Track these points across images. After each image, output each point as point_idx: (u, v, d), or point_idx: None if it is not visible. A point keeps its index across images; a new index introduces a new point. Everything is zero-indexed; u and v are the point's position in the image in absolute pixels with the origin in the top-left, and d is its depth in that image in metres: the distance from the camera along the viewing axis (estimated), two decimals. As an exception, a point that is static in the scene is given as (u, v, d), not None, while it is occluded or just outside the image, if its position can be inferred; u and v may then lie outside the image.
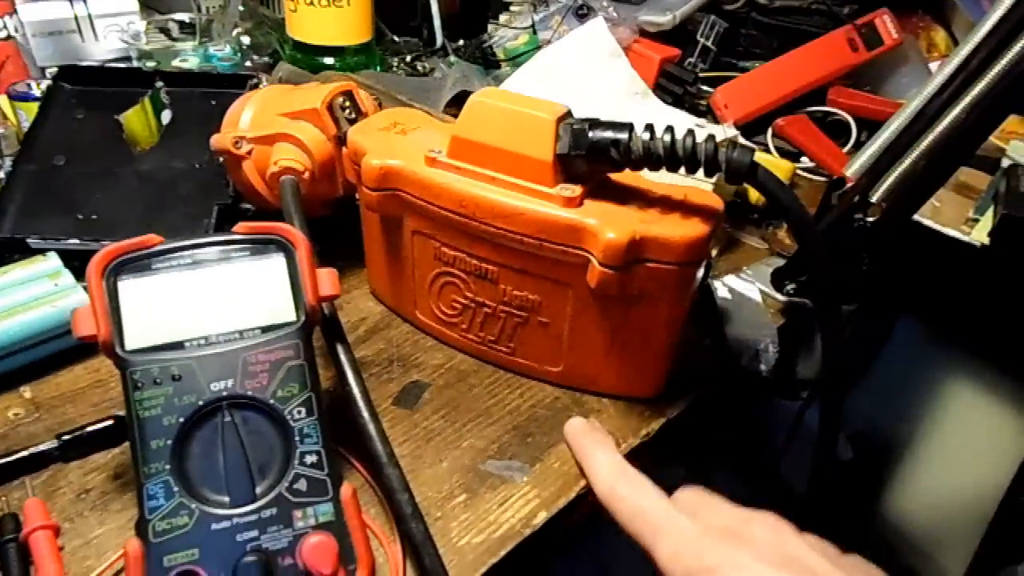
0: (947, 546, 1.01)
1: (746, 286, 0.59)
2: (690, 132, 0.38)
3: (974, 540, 0.94)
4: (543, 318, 0.45)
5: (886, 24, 0.80)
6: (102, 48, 0.71)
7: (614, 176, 0.43)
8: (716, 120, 0.77)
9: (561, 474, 0.42)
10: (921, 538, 1.02)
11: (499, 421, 0.46)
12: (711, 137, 0.38)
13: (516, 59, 0.80)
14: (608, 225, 0.39)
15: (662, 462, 0.51)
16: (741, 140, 0.66)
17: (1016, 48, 0.45)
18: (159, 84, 0.63)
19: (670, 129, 0.39)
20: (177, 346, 0.34)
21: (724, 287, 0.59)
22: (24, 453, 0.39)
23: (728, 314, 0.56)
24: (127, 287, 0.35)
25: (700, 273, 0.44)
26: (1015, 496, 0.91)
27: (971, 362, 0.96)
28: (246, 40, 0.79)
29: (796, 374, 0.59)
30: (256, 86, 0.63)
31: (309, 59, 0.79)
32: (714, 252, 0.62)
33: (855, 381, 0.96)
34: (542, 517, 0.40)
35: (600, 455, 0.40)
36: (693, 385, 0.49)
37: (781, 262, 0.60)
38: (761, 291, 0.58)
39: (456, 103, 0.72)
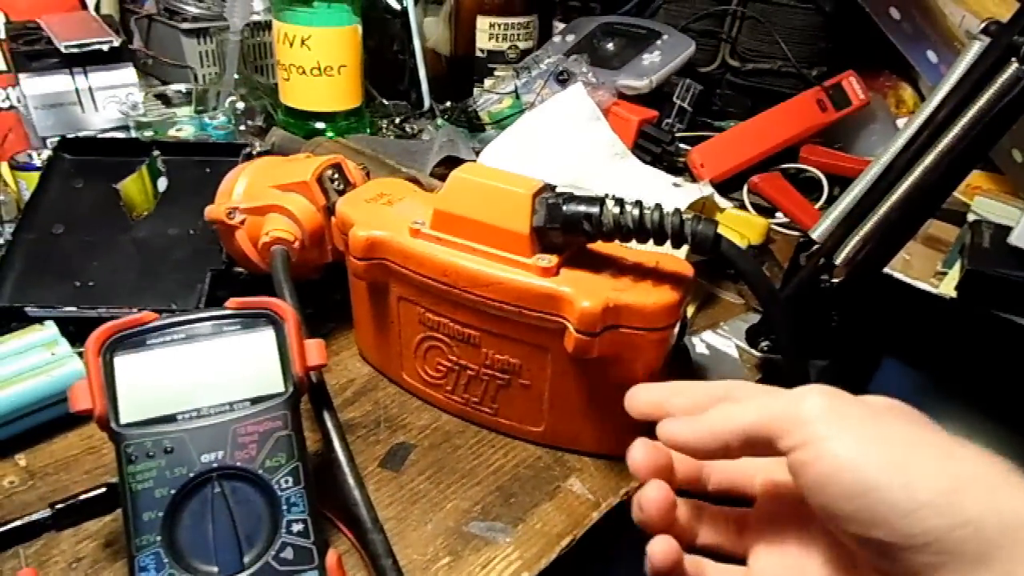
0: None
1: (723, 342, 0.61)
2: (658, 206, 0.41)
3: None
4: (524, 380, 0.47)
5: (853, 85, 0.84)
6: (101, 118, 0.74)
7: (590, 244, 0.46)
8: (693, 178, 0.81)
9: (543, 534, 0.44)
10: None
11: (483, 482, 0.47)
12: (677, 211, 0.40)
13: (500, 122, 0.84)
14: (583, 294, 0.41)
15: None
16: (716, 198, 0.69)
17: (974, 110, 0.48)
18: (156, 152, 0.65)
19: (639, 203, 0.41)
20: (170, 419, 0.36)
21: (702, 343, 0.61)
22: (18, 522, 0.40)
23: (706, 370, 0.58)
24: (123, 363, 0.36)
25: (674, 335, 0.46)
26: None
27: (955, 406, 0.97)
28: (240, 106, 0.82)
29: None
30: (249, 156, 0.65)
31: (301, 124, 0.82)
32: (692, 309, 0.64)
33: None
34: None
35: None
36: (671, 443, 0.50)
37: (757, 317, 0.62)
38: (738, 347, 0.60)
39: (443, 165, 0.75)
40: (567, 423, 0.48)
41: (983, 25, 0.48)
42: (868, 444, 0.26)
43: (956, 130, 0.48)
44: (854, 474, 0.25)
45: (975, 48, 0.47)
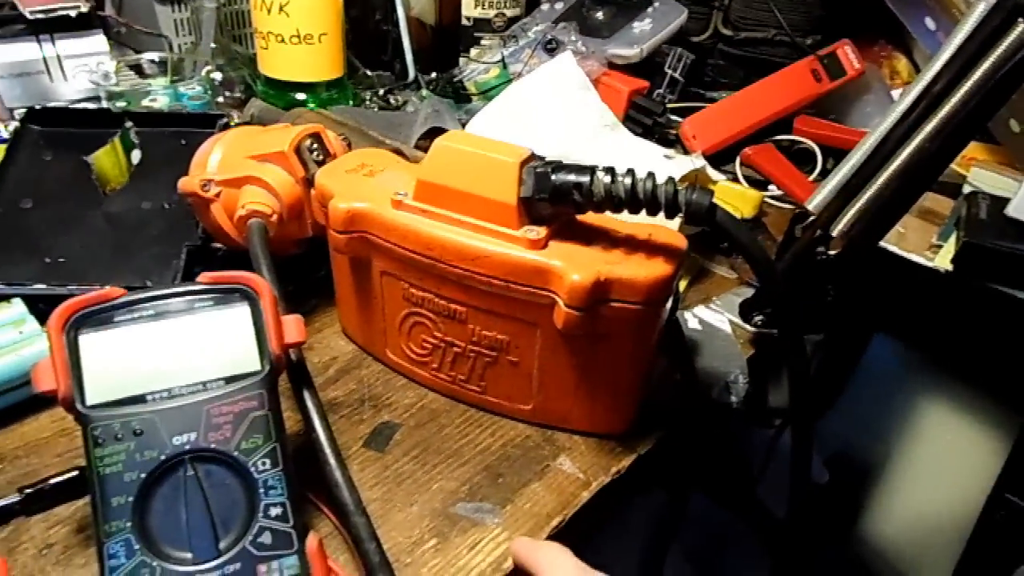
0: (927, 565, 1.01)
1: (716, 317, 0.60)
2: (650, 175, 0.39)
3: (953, 558, 0.95)
4: (512, 357, 0.45)
5: (848, 55, 0.82)
6: (71, 88, 0.71)
7: (580, 216, 0.44)
8: (685, 150, 0.79)
9: (532, 515, 0.42)
10: (900, 558, 1.02)
11: (470, 461, 0.46)
12: (671, 179, 0.39)
13: (487, 92, 0.81)
14: (572, 267, 0.40)
15: (643, 488, 0.52)
16: (708, 170, 0.67)
17: (977, 74, 0.46)
18: (128, 124, 0.63)
19: (631, 172, 0.39)
20: (139, 400, 0.34)
21: (694, 318, 0.59)
22: (-15, 508, 0.39)
23: (698, 346, 0.57)
24: (88, 341, 0.34)
25: (666, 311, 0.44)
26: (992, 513, 0.92)
27: (946, 381, 0.97)
28: (218, 76, 0.79)
29: (768, 403, 0.60)
30: (226, 126, 0.63)
31: (281, 95, 0.79)
32: (684, 283, 0.62)
33: (829, 405, 0.97)
34: (512, 561, 0.40)
35: None
36: (663, 420, 0.49)
37: (750, 292, 0.61)
38: (731, 321, 0.59)
39: (429, 137, 0.72)
40: (557, 401, 0.46)
41: (988, -15, 0.46)
42: None
43: (957, 96, 0.47)
44: None
45: (979, 9, 0.46)
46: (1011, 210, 0.62)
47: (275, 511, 0.34)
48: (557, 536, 0.42)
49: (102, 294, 0.35)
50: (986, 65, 0.44)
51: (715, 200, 0.39)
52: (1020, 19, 0.41)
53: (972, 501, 0.93)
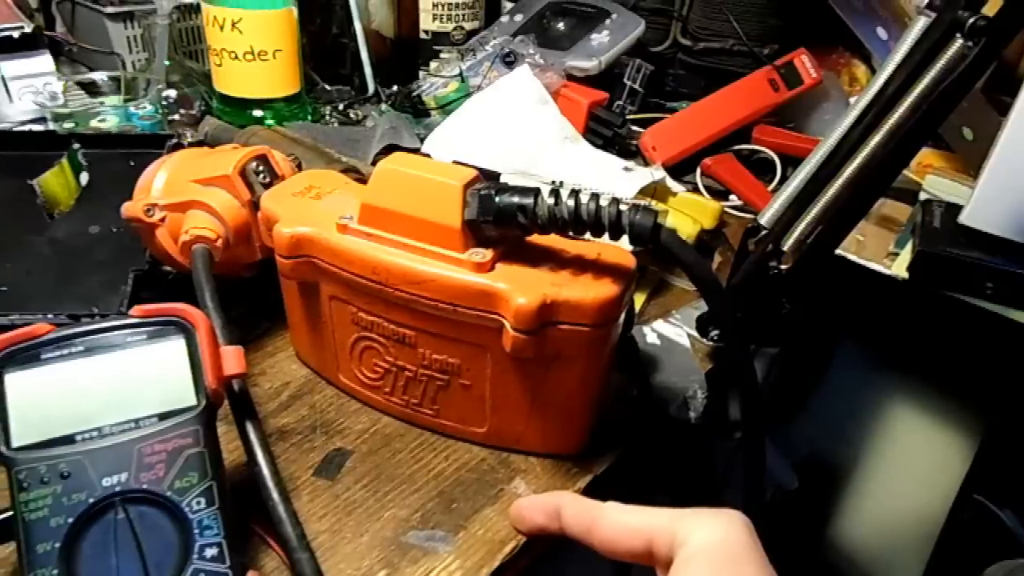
0: (897, 566, 1.02)
1: (675, 331, 0.59)
2: (594, 196, 0.39)
3: (923, 559, 0.96)
4: (464, 380, 0.45)
5: (805, 64, 0.83)
6: (16, 110, 0.70)
7: (529, 237, 0.43)
8: (646, 162, 0.79)
9: (484, 541, 0.42)
10: (871, 560, 1.03)
11: (423, 488, 0.45)
12: (615, 200, 0.38)
13: (446, 107, 0.81)
14: (519, 289, 0.39)
15: (605, 492, 0.51)
16: (668, 181, 0.67)
17: (920, 87, 0.46)
18: (76, 145, 0.61)
19: (575, 193, 0.39)
20: (67, 440, 0.33)
21: (653, 332, 0.59)
22: (-87, 553, 0.37)
23: (657, 361, 0.56)
24: (14, 381, 0.33)
25: (618, 329, 0.44)
26: (960, 513, 0.93)
27: (912, 385, 0.98)
28: (172, 94, 0.78)
29: (728, 416, 0.60)
30: (176, 146, 0.61)
31: (237, 112, 0.78)
32: (643, 297, 0.62)
33: (792, 414, 0.97)
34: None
35: None
36: (620, 438, 0.49)
37: (709, 304, 0.61)
38: (689, 335, 0.59)
39: (386, 154, 0.72)
40: (511, 423, 0.46)
41: (928, 0, 0.46)
42: None
43: (903, 108, 0.47)
44: None
45: (920, 24, 0.46)
46: (964, 217, 0.63)
47: (210, 552, 0.33)
48: (512, 562, 0.41)
49: (27, 331, 0.34)
50: (928, 79, 0.44)
51: (669, 217, 0.38)
52: (958, 34, 0.41)
53: (940, 502, 0.94)
